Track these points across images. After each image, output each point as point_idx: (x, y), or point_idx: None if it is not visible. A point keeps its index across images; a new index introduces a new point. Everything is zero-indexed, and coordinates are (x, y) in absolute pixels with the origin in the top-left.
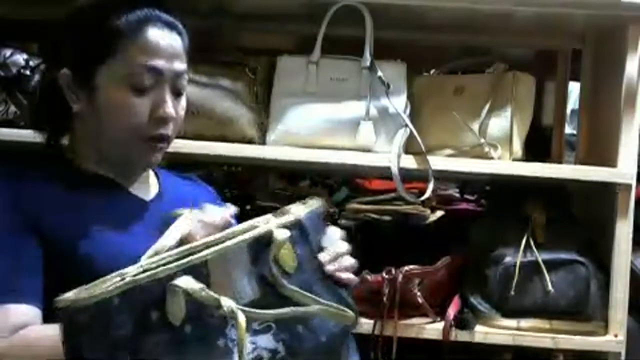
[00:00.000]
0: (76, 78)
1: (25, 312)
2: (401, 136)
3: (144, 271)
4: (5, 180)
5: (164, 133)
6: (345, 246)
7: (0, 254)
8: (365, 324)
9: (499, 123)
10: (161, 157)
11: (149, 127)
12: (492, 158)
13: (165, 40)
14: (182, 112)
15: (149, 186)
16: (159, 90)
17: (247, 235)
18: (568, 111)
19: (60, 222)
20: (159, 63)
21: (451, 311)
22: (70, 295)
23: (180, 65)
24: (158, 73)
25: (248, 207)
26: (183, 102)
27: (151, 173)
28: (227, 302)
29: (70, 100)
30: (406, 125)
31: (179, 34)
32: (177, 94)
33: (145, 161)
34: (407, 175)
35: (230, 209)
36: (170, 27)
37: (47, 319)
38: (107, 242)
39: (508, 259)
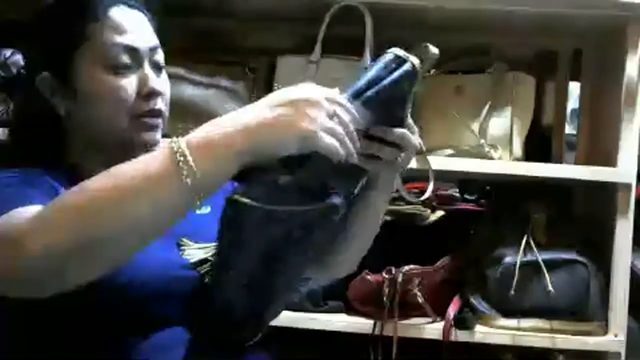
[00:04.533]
0: (56, 76)
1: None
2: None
3: None
4: (22, 172)
5: (155, 108)
6: None
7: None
8: (365, 324)
9: (499, 123)
10: (158, 137)
11: (139, 104)
12: (492, 158)
13: (132, 18)
14: (166, 87)
15: None
16: (139, 67)
17: None
18: (568, 111)
19: None
20: (133, 40)
21: (451, 311)
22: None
23: (153, 40)
24: (134, 50)
25: None
26: (164, 77)
27: None
28: None
29: (56, 103)
30: None
31: (142, 12)
32: (157, 68)
33: (143, 141)
34: (407, 175)
35: None
36: (131, 6)
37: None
38: None
39: (508, 259)
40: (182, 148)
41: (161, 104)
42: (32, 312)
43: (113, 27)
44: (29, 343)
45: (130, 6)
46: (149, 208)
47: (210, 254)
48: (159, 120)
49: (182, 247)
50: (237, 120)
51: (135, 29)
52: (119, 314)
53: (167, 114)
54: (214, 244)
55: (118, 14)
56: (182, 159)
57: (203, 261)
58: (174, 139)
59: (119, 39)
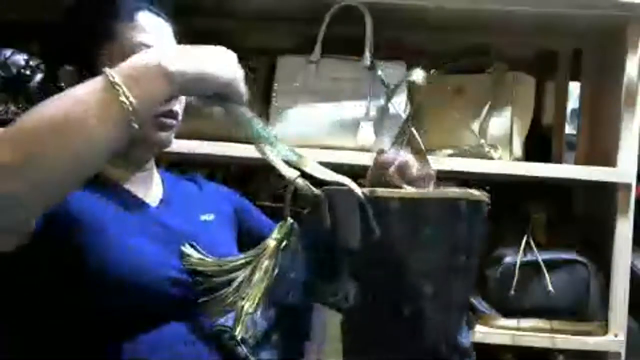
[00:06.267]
0: (80, 71)
1: None
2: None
3: None
4: None
5: (172, 109)
6: None
7: None
8: None
9: (499, 123)
10: (172, 139)
11: None
12: (492, 158)
13: (156, 23)
14: None
15: (154, 191)
16: None
17: None
18: (568, 111)
19: (70, 223)
20: (156, 41)
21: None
22: None
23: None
24: None
25: None
26: None
27: (157, 178)
28: None
29: None
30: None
31: (164, 19)
32: None
33: (158, 140)
34: None
35: None
36: (155, 13)
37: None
38: (115, 248)
39: (508, 259)
40: (115, 77)
41: (178, 107)
42: (30, 312)
43: (139, 28)
44: (26, 342)
45: (154, 13)
46: (87, 140)
47: (208, 268)
48: (175, 122)
49: (185, 255)
50: (171, 47)
51: (158, 32)
52: (113, 311)
53: (181, 117)
54: (211, 258)
55: (144, 18)
56: (117, 88)
57: (200, 273)
58: (107, 70)
59: (144, 38)
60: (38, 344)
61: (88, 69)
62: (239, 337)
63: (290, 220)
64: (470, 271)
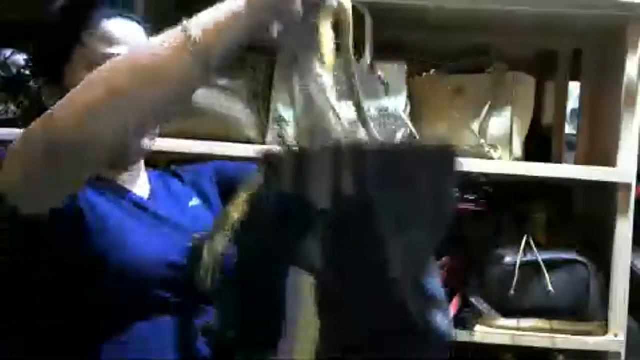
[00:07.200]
0: (52, 83)
1: None
2: (401, 136)
3: None
4: None
5: None
6: None
7: None
8: None
9: (499, 123)
10: (150, 143)
11: None
12: (492, 158)
13: (127, 30)
14: None
15: (143, 188)
16: None
17: None
18: (568, 111)
19: (72, 218)
20: (121, 51)
21: (451, 311)
22: None
23: None
24: None
25: None
26: None
27: (144, 177)
28: None
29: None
30: (406, 125)
31: (138, 23)
32: None
33: (134, 147)
34: None
35: None
36: (126, 18)
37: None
38: (115, 239)
39: (508, 259)
40: (185, 24)
41: None
42: (30, 307)
43: (105, 38)
44: (25, 337)
45: (125, 18)
46: (158, 82)
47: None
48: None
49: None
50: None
51: (129, 40)
52: (116, 295)
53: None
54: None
55: (113, 25)
56: (185, 32)
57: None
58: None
59: (110, 49)
60: (37, 340)
61: (58, 83)
62: (207, 282)
63: (262, 172)
64: (440, 221)
